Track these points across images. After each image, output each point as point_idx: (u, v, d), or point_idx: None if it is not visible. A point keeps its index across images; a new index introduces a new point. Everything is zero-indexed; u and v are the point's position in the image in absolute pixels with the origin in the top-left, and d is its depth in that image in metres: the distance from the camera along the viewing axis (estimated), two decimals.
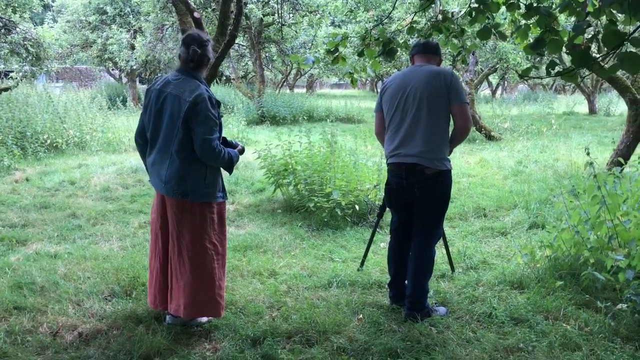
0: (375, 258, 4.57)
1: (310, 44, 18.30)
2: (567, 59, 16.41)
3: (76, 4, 20.32)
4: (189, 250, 3.14)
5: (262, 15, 15.87)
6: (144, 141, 3.25)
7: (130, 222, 5.67)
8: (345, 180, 5.78)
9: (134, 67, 19.39)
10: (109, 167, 8.64)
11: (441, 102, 3.29)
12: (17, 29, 12.15)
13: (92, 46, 20.14)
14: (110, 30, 19.05)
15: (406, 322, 3.36)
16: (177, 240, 3.17)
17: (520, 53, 13.91)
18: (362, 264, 4.36)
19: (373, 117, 3.79)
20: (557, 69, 2.29)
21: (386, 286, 3.79)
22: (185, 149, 3.03)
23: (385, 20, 10.31)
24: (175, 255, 3.19)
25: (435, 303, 3.67)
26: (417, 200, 3.41)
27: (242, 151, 3.34)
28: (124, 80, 22.84)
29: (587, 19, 2.65)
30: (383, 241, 4.97)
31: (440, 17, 4.19)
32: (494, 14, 3.65)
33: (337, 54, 4.02)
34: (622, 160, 4.78)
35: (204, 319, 3.34)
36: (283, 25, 14.61)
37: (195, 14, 5.72)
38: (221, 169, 3.24)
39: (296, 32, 16.24)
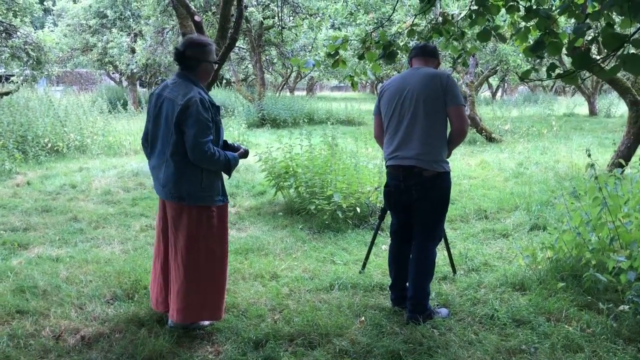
0: (377, 260, 4.58)
1: (310, 47, 18.32)
2: (567, 60, 16.44)
3: (76, 7, 20.35)
4: (183, 254, 3.15)
5: (262, 18, 15.89)
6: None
7: (132, 226, 5.68)
8: (346, 183, 5.78)
9: (135, 71, 19.40)
10: (110, 170, 8.65)
11: (438, 104, 3.30)
12: (18, 33, 12.17)
13: (92, 50, 20.15)
14: (110, 33, 19.07)
15: (408, 325, 3.37)
16: (174, 244, 3.19)
17: (520, 55, 13.92)
18: (363, 266, 4.36)
19: (373, 119, 3.80)
20: (557, 71, 2.29)
21: (388, 289, 3.79)
22: (179, 152, 3.03)
23: (386, 23, 10.32)
24: (172, 258, 3.22)
25: (437, 305, 3.67)
26: (415, 203, 3.42)
27: (244, 154, 3.31)
28: (125, 83, 22.86)
29: (587, 21, 2.66)
30: (384, 243, 4.97)
31: (440, 19, 4.21)
32: (494, 16, 3.66)
33: (337, 57, 4.03)
34: (622, 161, 4.79)
35: (206, 322, 3.35)
36: (283, 28, 14.63)
37: (196, 18, 5.74)
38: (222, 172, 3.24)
39: (296, 35, 16.26)
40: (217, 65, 3.17)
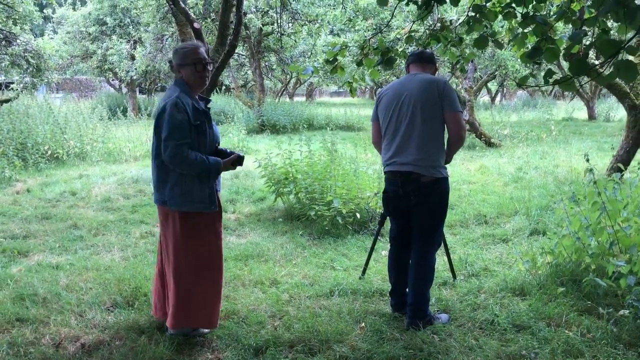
0: (377, 266, 4.58)
1: (309, 53, 18.37)
2: (565, 65, 16.47)
3: (76, 15, 20.43)
4: (172, 259, 3.16)
5: (261, 25, 15.96)
6: None
7: (132, 232, 5.68)
8: (346, 189, 5.79)
9: (134, 78, 19.46)
10: (110, 177, 8.66)
11: (435, 110, 3.32)
12: (18, 41, 12.20)
13: (92, 57, 20.22)
14: (110, 41, 19.14)
15: (408, 330, 3.37)
16: (165, 249, 3.22)
17: (518, 60, 13.95)
18: (363, 272, 4.36)
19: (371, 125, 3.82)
20: (555, 77, 2.31)
21: (388, 294, 3.79)
22: (159, 156, 3.04)
23: (384, 29, 10.36)
24: (165, 264, 3.25)
25: (437, 311, 3.67)
26: (414, 208, 3.42)
27: (236, 160, 3.18)
28: (124, 90, 22.91)
29: (583, 27, 2.67)
30: (384, 249, 4.97)
31: (438, 25, 4.22)
32: (491, 23, 3.68)
33: (336, 63, 4.04)
34: (621, 166, 4.79)
35: (206, 329, 3.35)
36: (282, 34, 14.67)
37: (195, 25, 5.76)
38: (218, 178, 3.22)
39: (295, 41, 16.31)
40: (202, 66, 3.10)
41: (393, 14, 8.79)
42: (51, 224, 5.98)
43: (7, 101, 12.36)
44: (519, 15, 3.26)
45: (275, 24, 15.20)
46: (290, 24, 15.11)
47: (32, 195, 7.42)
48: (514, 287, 3.98)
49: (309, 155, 6.40)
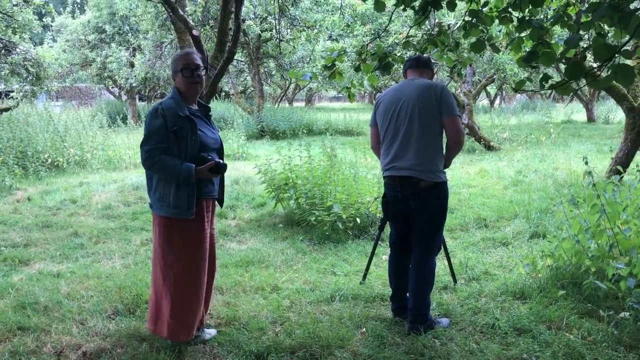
0: (378, 271, 4.58)
1: (308, 59, 18.42)
2: (563, 68, 16.48)
3: (75, 23, 20.50)
4: (154, 263, 3.22)
5: (260, 31, 16.01)
6: None
7: (132, 240, 5.68)
8: (346, 194, 5.80)
9: (134, 85, 19.50)
10: (110, 184, 8.67)
11: (433, 115, 3.33)
12: (17, 50, 12.24)
13: (91, 65, 20.27)
14: (109, 48, 19.20)
15: (409, 335, 3.37)
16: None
17: (517, 64, 13.98)
18: (364, 277, 4.37)
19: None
20: (550, 82, 2.32)
21: (388, 299, 3.80)
22: None
23: (382, 34, 10.40)
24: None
25: (438, 315, 3.67)
26: (413, 213, 3.43)
27: (214, 168, 3.07)
28: (124, 97, 22.95)
29: (580, 31, 2.69)
30: (385, 254, 4.97)
31: (436, 30, 4.25)
32: (488, 27, 3.70)
33: (334, 69, 4.06)
34: (620, 168, 4.80)
35: (207, 335, 3.35)
36: (281, 40, 14.70)
37: (194, 32, 5.78)
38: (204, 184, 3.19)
39: (294, 47, 16.35)
40: (189, 71, 3.12)
41: (391, 19, 8.82)
42: (52, 232, 5.99)
43: (7, 110, 12.40)
44: (515, 19, 3.28)
45: (274, 30, 15.25)
46: (288, 30, 15.16)
47: (33, 203, 7.43)
48: (514, 290, 3.99)
49: (309, 161, 6.41)
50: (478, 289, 4.11)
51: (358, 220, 5.61)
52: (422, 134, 3.34)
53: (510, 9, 3.28)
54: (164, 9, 8.94)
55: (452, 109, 3.33)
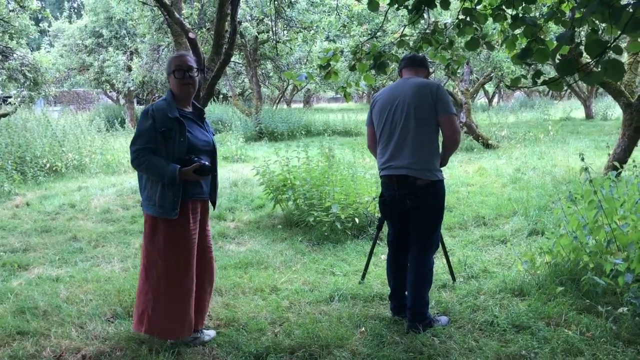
0: (376, 270, 4.59)
1: (305, 60, 18.44)
2: None
3: (72, 28, 20.50)
4: (141, 262, 3.27)
5: (257, 33, 16.01)
6: None
7: (131, 243, 5.69)
8: (344, 194, 5.81)
9: (131, 89, 19.51)
10: (109, 188, 8.67)
11: (429, 114, 3.33)
12: (15, 55, 12.24)
13: (89, 69, 20.26)
14: (106, 52, 19.19)
15: (408, 334, 3.37)
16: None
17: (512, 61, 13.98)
18: (363, 276, 4.37)
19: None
20: (542, 77, 2.33)
21: (387, 298, 3.80)
22: None
23: (379, 34, 10.41)
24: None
25: (437, 313, 3.68)
26: (410, 211, 3.44)
27: (199, 169, 3.05)
28: (122, 101, 22.97)
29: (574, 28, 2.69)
30: (383, 253, 4.97)
31: (431, 28, 4.25)
32: (482, 26, 3.71)
33: (329, 69, 4.07)
34: (617, 164, 4.81)
35: (206, 337, 3.35)
36: (278, 42, 14.73)
37: (190, 35, 5.79)
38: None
39: (291, 48, 16.37)
40: (181, 73, 3.13)
41: (385, 17, 8.84)
42: (51, 237, 5.99)
43: (5, 115, 12.39)
44: (509, 17, 3.28)
45: (271, 32, 15.26)
46: (285, 32, 15.16)
47: (32, 208, 7.44)
48: (513, 287, 3.99)
49: (307, 162, 6.42)
50: (477, 286, 4.11)
51: (356, 220, 5.62)
52: (418, 133, 3.34)
53: (503, 7, 3.29)
54: (160, 12, 8.94)
55: (448, 108, 3.34)
